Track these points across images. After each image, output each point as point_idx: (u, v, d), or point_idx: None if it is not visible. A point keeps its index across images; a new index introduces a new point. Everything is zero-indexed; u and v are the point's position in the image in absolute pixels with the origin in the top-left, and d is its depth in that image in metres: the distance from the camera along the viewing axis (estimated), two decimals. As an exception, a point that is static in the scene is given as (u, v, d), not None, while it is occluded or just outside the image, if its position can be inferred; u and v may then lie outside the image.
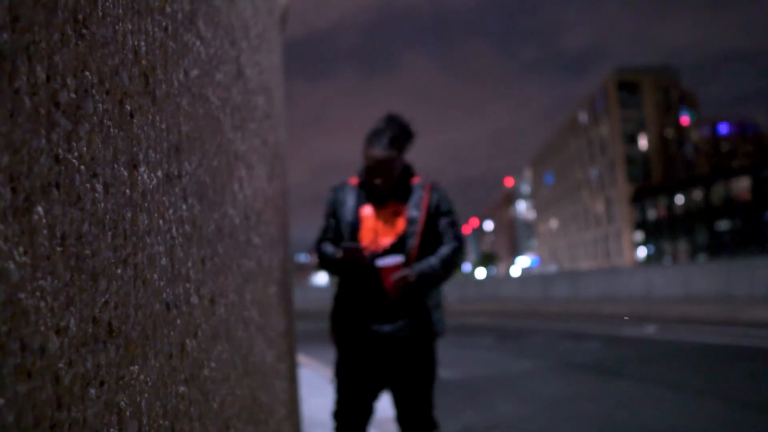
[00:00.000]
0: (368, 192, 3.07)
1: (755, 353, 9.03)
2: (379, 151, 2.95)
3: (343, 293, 3.07)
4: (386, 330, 2.93)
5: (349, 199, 3.08)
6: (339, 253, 2.91)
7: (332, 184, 3.20)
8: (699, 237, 56.48)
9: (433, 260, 2.94)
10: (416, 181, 3.12)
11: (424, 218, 3.00)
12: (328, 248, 3.06)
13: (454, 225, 3.08)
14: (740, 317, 14.14)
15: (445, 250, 3.00)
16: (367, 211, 3.05)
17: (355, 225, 3.02)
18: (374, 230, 3.01)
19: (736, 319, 13.97)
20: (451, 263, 3.01)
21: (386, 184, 3.01)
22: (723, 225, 53.57)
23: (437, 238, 3.04)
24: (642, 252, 65.85)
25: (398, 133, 3.00)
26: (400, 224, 3.00)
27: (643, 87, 70.32)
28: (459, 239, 3.08)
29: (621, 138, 69.46)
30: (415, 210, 3.01)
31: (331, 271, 3.06)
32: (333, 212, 3.13)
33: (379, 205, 3.04)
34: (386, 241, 2.98)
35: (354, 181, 3.16)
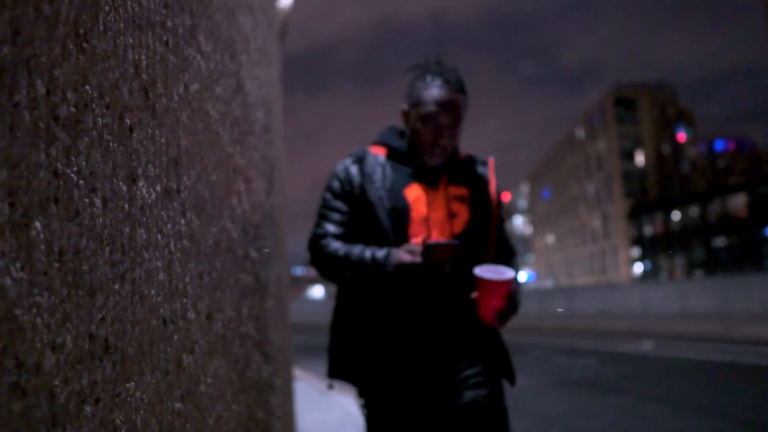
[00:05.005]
0: (413, 165, 2.12)
1: (752, 370, 9.00)
2: (447, 92, 2.05)
3: (363, 320, 2.05)
4: (452, 372, 2.04)
5: (386, 175, 2.10)
6: (405, 257, 1.91)
7: (352, 151, 2.19)
8: (695, 253, 56.54)
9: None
10: (465, 156, 2.24)
11: (496, 207, 2.15)
12: (358, 247, 2.02)
13: (507, 230, 2.26)
14: (737, 334, 14.13)
15: (514, 264, 2.18)
16: (415, 192, 2.07)
17: (402, 212, 2.04)
18: (427, 221, 2.05)
19: (732, 336, 13.95)
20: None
21: (451, 146, 2.09)
22: (719, 242, 53.65)
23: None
24: (638, 268, 65.87)
25: (462, 80, 2.12)
26: (463, 214, 2.09)
27: (640, 103, 70.65)
28: (515, 249, 2.26)
29: (618, 154, 69.69)
30: (480, 196, 2.14)
31: (351, 282, 2.06)
32: (349, 193, 2.10)
33: (430, 185, 2.10)
34: (442, 236, 2.04)
35: (380, 150, 2.18)
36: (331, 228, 2.09)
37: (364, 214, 2.06)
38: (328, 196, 2.13)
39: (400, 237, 2.02)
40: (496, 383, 2.09)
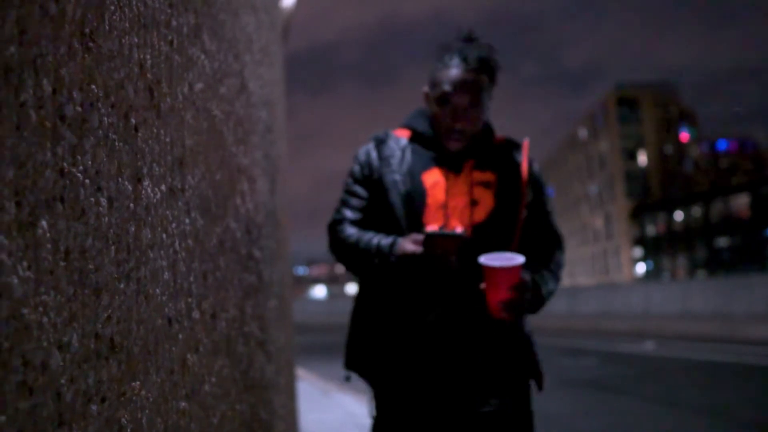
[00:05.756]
0: (436, 149, 2.01)
1: (754, 371, 8.99)
2: (464, 72, 1.92)
3: (377, 313, 1.97)
4: (470, 376, 1.90)
5: (405, 159, 1.99)
6: (408, 247, 1.81)
7: (373, 135, 2.10)
8: (698, 253, 56.48)
9: (543, 269, 1.96)
10: (500, 140, 2.10)
11: (525, 193, 1.98)
12: (369, 234, 1.94)
13: (551, 214, 2.09)
14: (739, 335, 14.11)
15: (552, 253, 2.03)
16: (434, 177, 1.96)
17: (418, 198, 1.93)
18: (445, 208, 1.93)
19: (734, 337, 13.94)
20: (560, 273, 2.04)
21: (470, 129, 1.95)
22: (722, 242, 53.60)
23: (528, 229, 2.00)
24: (641, 268, 65.81)
25: (491, 56, 1.97)
26: (487, 202, 1.95)
27: (643, 103, 70.53)
28: (560, 235, 2.09)
29: (620, 154, 69.60)
30: (508, 182, 1.98)
31: (362, 271, 1.99)
32: (368, 177, 2.02)
33: (451, 170, 1.97)
34: (460, 226, 1.90)
35: (404, 133, 2.08)
36: (348, 213, 2.03)
37: (380, 199, 1.97)
38: (349, 180, 2.06)
39: (414, 224, 1.91)
40: (521, 387, 1.96)
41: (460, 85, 1.91)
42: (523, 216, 1.96)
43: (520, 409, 1.94)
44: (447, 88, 1.91)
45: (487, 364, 1.90)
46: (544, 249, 2.02)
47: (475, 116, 1.94)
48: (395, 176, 1.95)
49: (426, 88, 2.05)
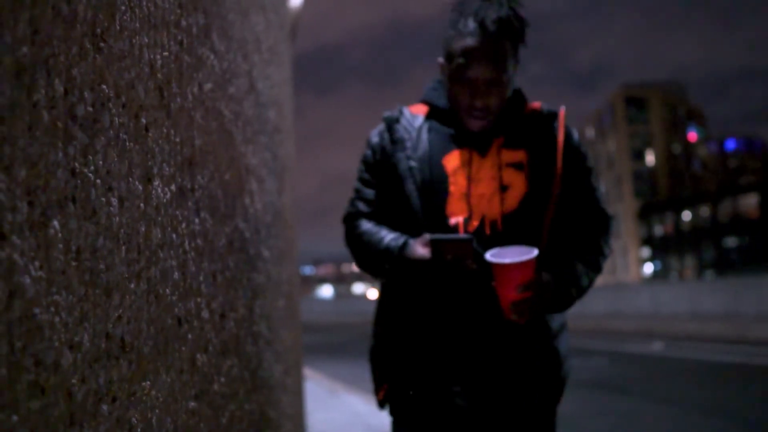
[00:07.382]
0: (458, 126, 1.72)
1: (763, 372, 8.95)
2: (481, 39, 1.62)
3: (395, 314, 1.77)
4: (485, 382, 1.69)
5: (422, 140, 1.73)
6: (418, 251, 1.60)
7: (384, 113, 1.83)
8: (706, 254, 56.22)
9: (576, 262, 1.71)
10: (532, 109, 1.81)
11: (559, 176, 1.70)
12: (382, 233, 1.71)
13: (597, 190, 1.79)
14: (748, 335, 14.04)
15: (593, 239, 1.76)
16: (457, 160, 1.69)
17: (438, 186, 1.68)
18: (468, 198, 1.67)
19: (743, 337, 13.87)
20: (601, 262, 1.77)
21: (494, 104, 1.68)
22: (730, 242, 53.34)
23: (568, 209, 1.73)
24: (648, 268, 65.55)
25: (514, 15, 1.67)
26: (519, 186, 1.68)
27: (651, 103, 70.30)
28: (607, 215, 1.80)
29: (628, 154, 69.40)
30: (542, 161, 1.70)
31: (378, 270, 1.76)
32: (382, 163, 1.77)
33: (476, 150, 1.70)
34: (488, 216, 1.66)
35: (421, 109, 1.81)
36: (362, 206, 1.79)
37: (395, 188, 1.72)
38: (362, 167, 1.83)
39: (435, 216, 1.67)
40: (539, 391, 1.78)
41: (477, 56, 1.62)
42: (555, 200, 1.70)
43: (537, 412, 1.80)
44: (462, 60, 1.63)
45: (503, 367, 1.71)
46: (584, 235, 1.77)
47: (498, 90, 1.67)
48: (411, 162, 1.70)
49: (441, 59, 1.77)
